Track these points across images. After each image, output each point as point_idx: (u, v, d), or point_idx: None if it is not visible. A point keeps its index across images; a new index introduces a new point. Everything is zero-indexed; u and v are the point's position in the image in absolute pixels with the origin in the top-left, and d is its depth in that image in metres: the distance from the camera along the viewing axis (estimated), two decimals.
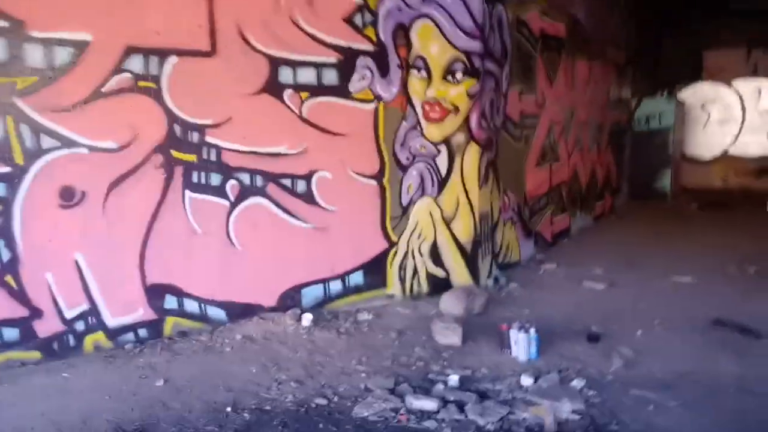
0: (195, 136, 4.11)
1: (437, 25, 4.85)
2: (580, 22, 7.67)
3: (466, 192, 5.18)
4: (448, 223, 5.16)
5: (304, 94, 4.42)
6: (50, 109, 3.66)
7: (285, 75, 4.33)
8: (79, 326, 3.90)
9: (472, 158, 5.16)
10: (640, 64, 11.36)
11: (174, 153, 4.05)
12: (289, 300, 4.56)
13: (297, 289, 4.59)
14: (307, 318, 4.35)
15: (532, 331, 3.78)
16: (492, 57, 5.30)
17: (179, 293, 4.18)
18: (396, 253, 4.98)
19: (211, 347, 4.03)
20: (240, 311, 4.39)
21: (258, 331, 4.26)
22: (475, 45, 5.01)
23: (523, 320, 4.31)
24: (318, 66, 4.44)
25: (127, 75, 3.83)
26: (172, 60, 3.96)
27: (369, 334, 4.29)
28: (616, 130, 10.00)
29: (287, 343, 4.11)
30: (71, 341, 3.88)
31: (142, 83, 3.89)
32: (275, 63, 4.28)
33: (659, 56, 13.47)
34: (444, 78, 4.94)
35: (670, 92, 12.92)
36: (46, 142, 3.68)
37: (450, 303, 4.63)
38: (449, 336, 4.05)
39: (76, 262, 3.85)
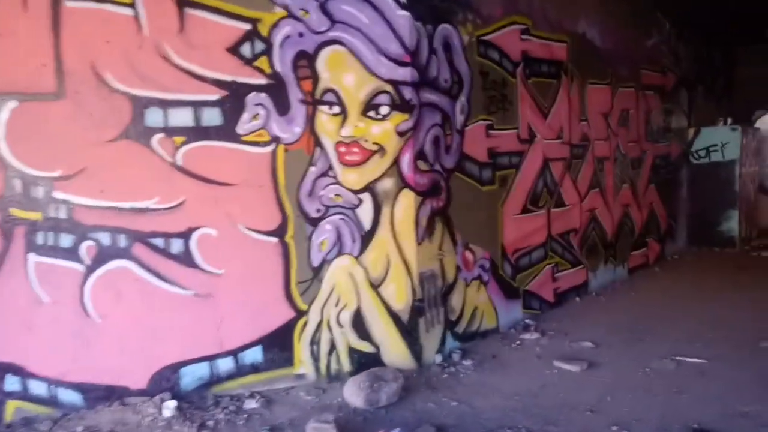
0: (40, 191, 3.57)
1: (352, 52, 4.08)
2: (592, 42, 6.58)
3: (399, 248, 4.29)
4: (375, 286, 4.27)
5: (178, 139, 3.77)
6: None
7: (153, 117, 3.71)
8: None
9: (405, 207, 4.27)
10: (700, 89, 9.90)
11: (13, 211, 3.52)
12: (164, 381, 3.84)
13: (174, 369, 3.86)
14: (169, 407, 3.61)
15: None
16: (434, 86, 4.44)
17: (22, 373, 3.59)
18: (306, 324, 4.14)
19: None
20: (101, 395, 3.73)
21: (109, 421, 3.56)
22: (404, 73, 4.18)
23: (428, 422, 3.36)
24: (196, 105, 3.79)
25: None
26: (11, 105, 3.47)
27: (237, 431, 3.48)
28: (664, 165, 8.61)
29: None
30: None
31: None
32: (140, 104, 3.68)
33: (730, 78, 11.82)
34: (364, 113, 4.14)
35: (747, 118, 11.25)
36: None
37: (350, 392, 3.72)
38: None
39: None
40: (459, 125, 4.73)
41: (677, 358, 4.41)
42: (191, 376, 3.90)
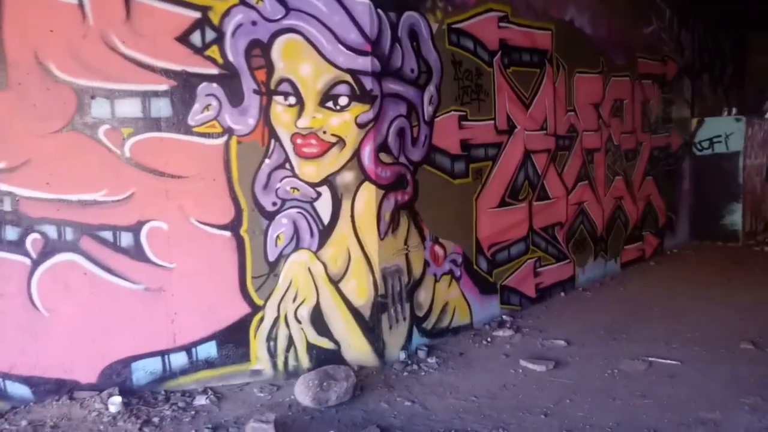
0: None
1: (308, 41, 3.96)
2: (581, 29, 6.36)
3: (360, 243, 4.18)
4: (335, 282, 4.17)
5: (126, 130, 3.70)
6: None
7: (100, 108, 3.64)
8: None
9: (366, 201, 4.16)
10: (705, 78, 9.59)
11: None
12: (116, 376, 3.79)
13: (126, 363, 3.81)
14: (114, 402, 3.56)
15: None
16: (398, 76, 4.30)
17: None
18: (262, 319, 4.06)
19: None
20: (51, 388, 3.70)
21: (55, 415, 3.53)
22: (364, 62, 4.05)
23: (375, 423, 3.27)
24: (144, 95, 3.71)
25: None
26: None
27: (179, 430, 3.41)
28: (663, 157, 8.35)
29: None
30: None
31: None
32: (86, 94, 3.61)
33: (741, 67, 11.45)
34: (322, 104, 4.02)
35: (760, 108, 10.90)
36: None
37: (300, 390, 3.63)
38: None
39: None
40: (427, 116, 4.58)
41: (650, 358, 4.25)
42: (143, 371, 3.84)
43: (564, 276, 6.28)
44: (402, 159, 4.38)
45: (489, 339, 4.82)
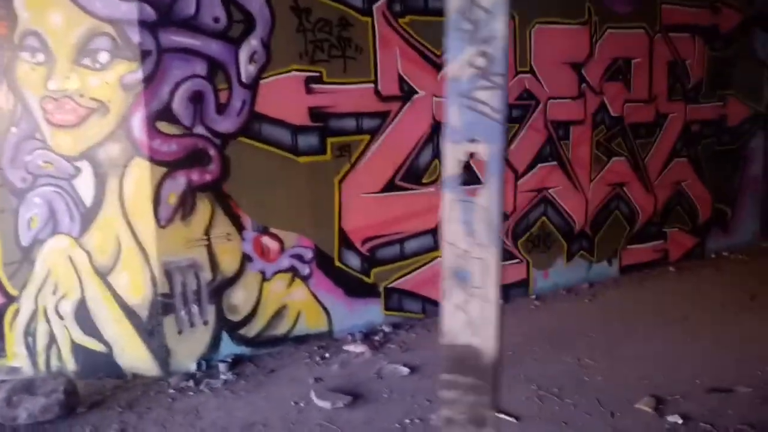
0: None
1: None
2: None
3: (133, 230, 3.48)
4: (103, 274, 3.52)
5: None
6: None
7: None
8: None
9: (138, 180, 3.44)
10: None
11: None
12: None
13: None
14: None
15: None
16: (189, 26, 3.48)
17: None
18: (18, 311, 3.55)
19: None
20: None
21: None
22: (129, 9, 3.31)
23: None
24: None
25: None
26: None
27: None
28: (712, 133, 6.50)
29: None
30: None
31: None
32: None
33: None
34: (78, 62, 3.35)
35: None
36: None
37: None
38: None
39: None
40: (246, 77, 3.70)
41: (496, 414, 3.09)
42: None
43: (507, 280, 5.04)
44: (200, 130, 3.57)
45: (327, 355, 3.89)
